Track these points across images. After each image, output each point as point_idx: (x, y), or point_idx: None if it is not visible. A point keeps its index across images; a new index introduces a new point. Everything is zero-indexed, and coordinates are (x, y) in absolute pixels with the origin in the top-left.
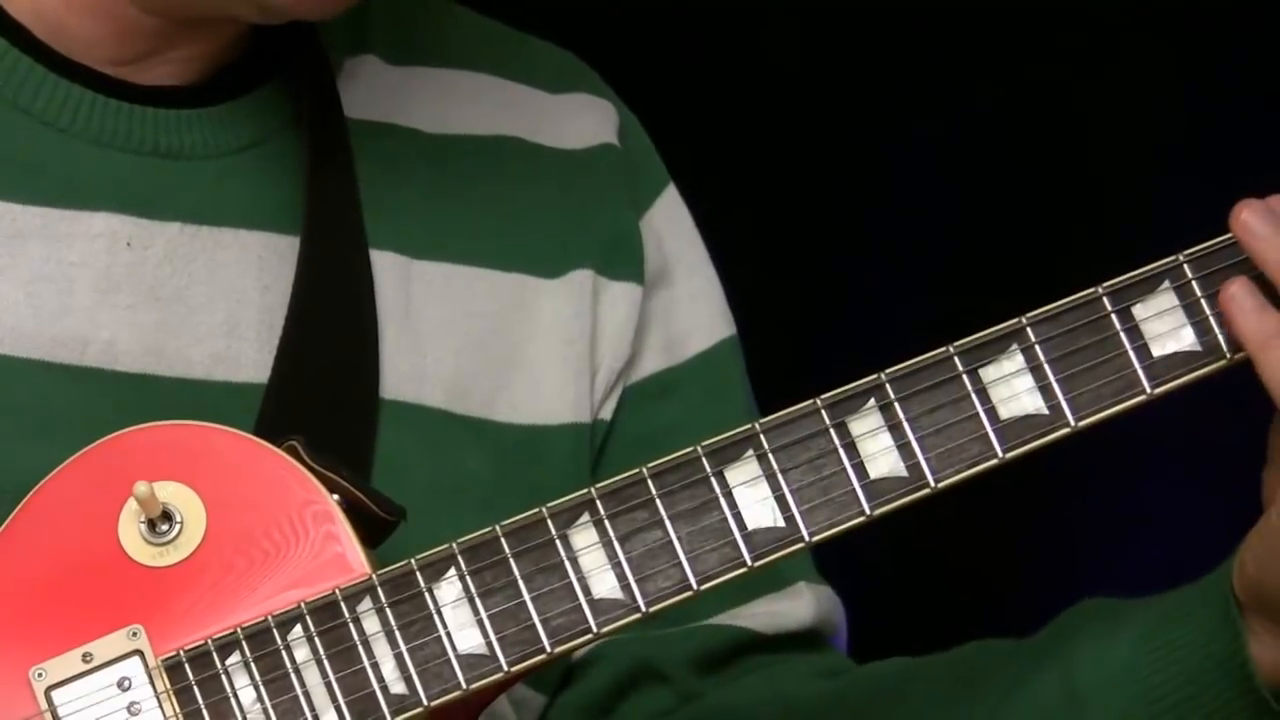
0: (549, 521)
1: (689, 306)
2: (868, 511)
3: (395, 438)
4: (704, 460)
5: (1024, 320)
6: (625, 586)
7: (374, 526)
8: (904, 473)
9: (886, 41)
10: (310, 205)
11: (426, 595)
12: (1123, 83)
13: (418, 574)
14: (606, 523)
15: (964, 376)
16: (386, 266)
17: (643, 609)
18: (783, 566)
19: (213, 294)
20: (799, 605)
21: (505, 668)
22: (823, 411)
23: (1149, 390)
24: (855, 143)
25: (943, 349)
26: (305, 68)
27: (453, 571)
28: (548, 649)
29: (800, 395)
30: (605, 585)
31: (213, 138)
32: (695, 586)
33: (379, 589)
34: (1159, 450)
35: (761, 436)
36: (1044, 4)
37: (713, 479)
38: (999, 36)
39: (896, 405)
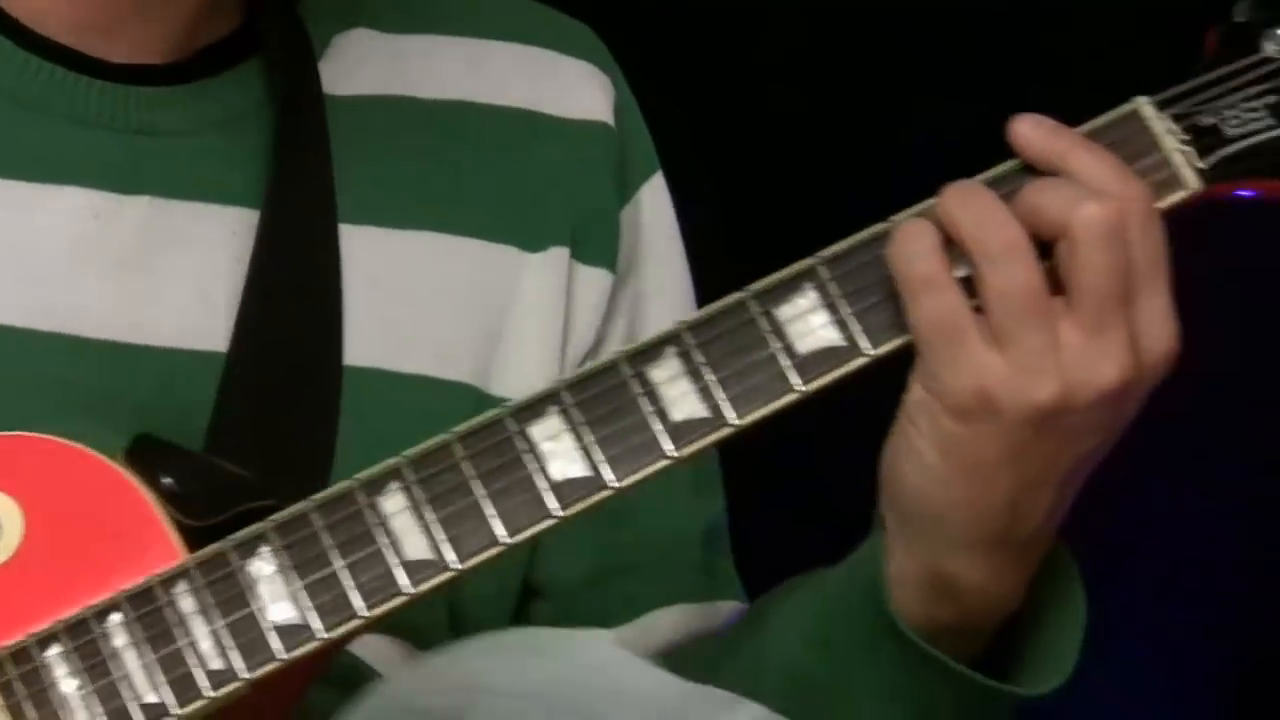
0: (358, 491)
1: (654, 300)
2: (672, 452)
3: (376, 404)
4: (507, 420)
5: (814, 259)
6: (434, 547)
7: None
8: (706, 413)
9: (886, 41)
10: (274, 180)
11: (239, 572)
12: (1122, 83)
13: (231, 553)
14: (414, 487)
15: (759, 318)
16: (363, 239)
17: (453, 567)
18: (712, 581)
19: (184, 265)
20: (714, 623)
21: (324, 633)
22: (622, 363)
23: None
24: (854, 144)
25: (738, 293)
26: (283, 46)
27: (265, 547)
28: (362, 613)
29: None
30: (416, 547)
31: (188, 115)
32: (506, 540)
33: (193, 570)
34: (1159, 450)
35: (564, 393)
36: (1044, 4)
37: (516, 437)
38: (999, 36)
39: (694, 351)
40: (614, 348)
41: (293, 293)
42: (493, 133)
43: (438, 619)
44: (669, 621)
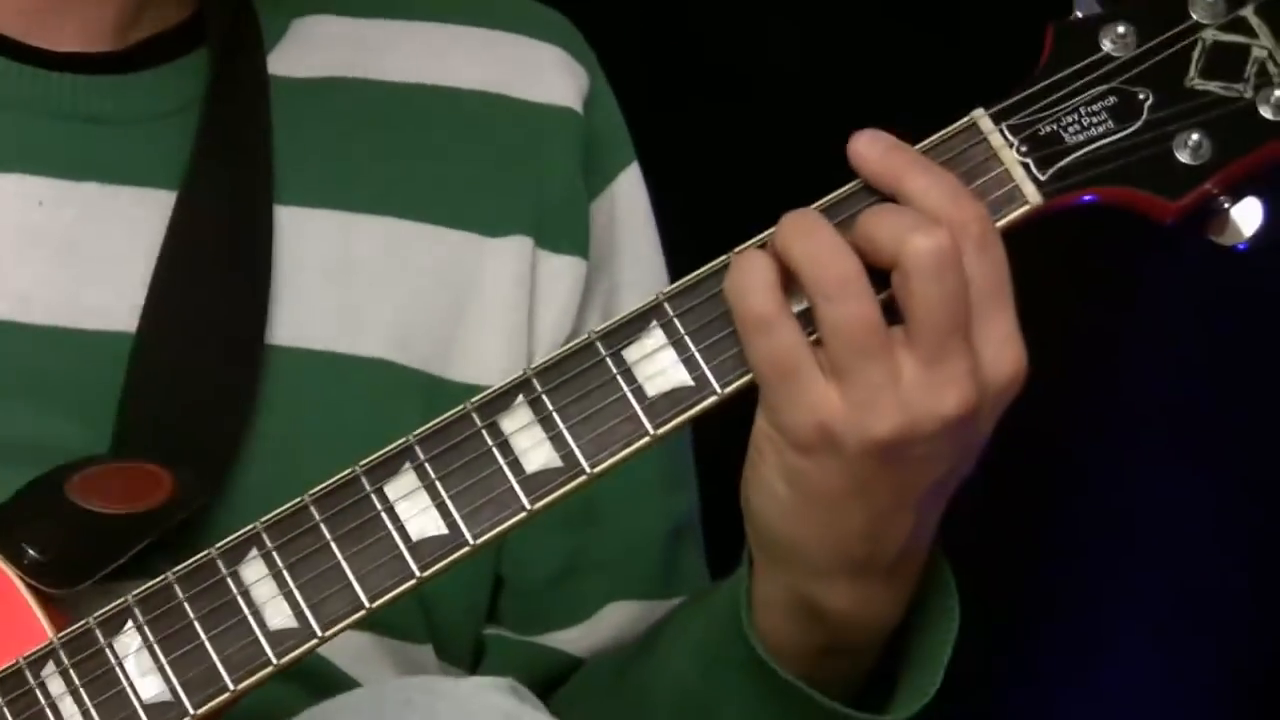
0: (218, 560)
1: (629, 293)
2: (528, 507)
3: (324, 386)
4: (363, 479)
5: (660, 295)
6: (299, 614)
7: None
8: (559, 463)
9: (887, 42)
10: (194, 163)
11: (107, 650)
12: None
13: (96, 630)
14: (274, 553)
15: (608, 359)
16: (318, 222)
17: (318, 634)
18: (672, 576)
19: (131, 250)
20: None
21: (191, 710)
22: (473, 414)
23: None
24: (836, 132)
25: (584, 336)
26: (222, 36)
27: (130, 623)
28: (230, 686)
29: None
30: (280, 616)
31: (131, 103)
32: (368, 605)
33: (59, 651)
34: (1158, 448)
35: (416, 447)
36: (1044, 4)
37: (373, 495)
38: (999, 36)
39: (544, 398)
40: None
41: (209, 273)
42: (454, 116)
43: (410, 610)
44: (618, 618)
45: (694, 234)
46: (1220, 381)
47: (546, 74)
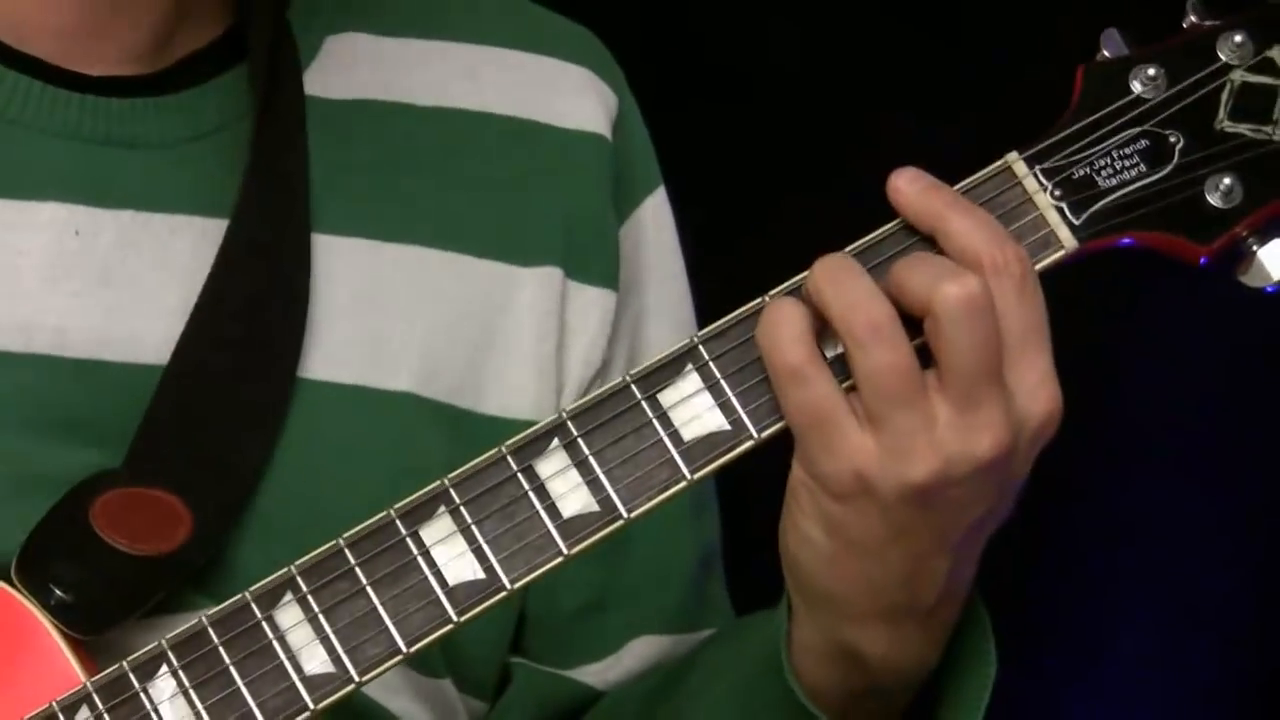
0: (253, 605)
1: (654, 319)
2: (565, 551)
3: (352, 419)
4: (398, 523)
5: (695, 339)
6: (336, 660)
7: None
8: (596, 508)
9: (887, 41)
10: (244, 191)
11: (142, 695)
12: None
13: (130, 675)
14: (310, 598)
15: (643, 403)
16: (348, 251)
17: (356, 679)
18: (700, 609)
19: (165, 279)
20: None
21: None
22: (509, 458)
23: None
24: (855, 146)
25: (619, 379)
26: (265, 54)
27: (164, 669)
28: None
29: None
30: (316, 661)
31: (167, 126)
32: (405, 650)
33: (94, 695)
34: (1158, 450)
35: (451, 491)
36: (1044, 4)
37: (409, 540)
38: (999, 36)
39: (580, 441)
40: (618, 370)
41: (250, 306)
42: (483, 142)
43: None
44: (643, 651)
45: (692, 231)
46: (1220, 388)
47: (575, 98)
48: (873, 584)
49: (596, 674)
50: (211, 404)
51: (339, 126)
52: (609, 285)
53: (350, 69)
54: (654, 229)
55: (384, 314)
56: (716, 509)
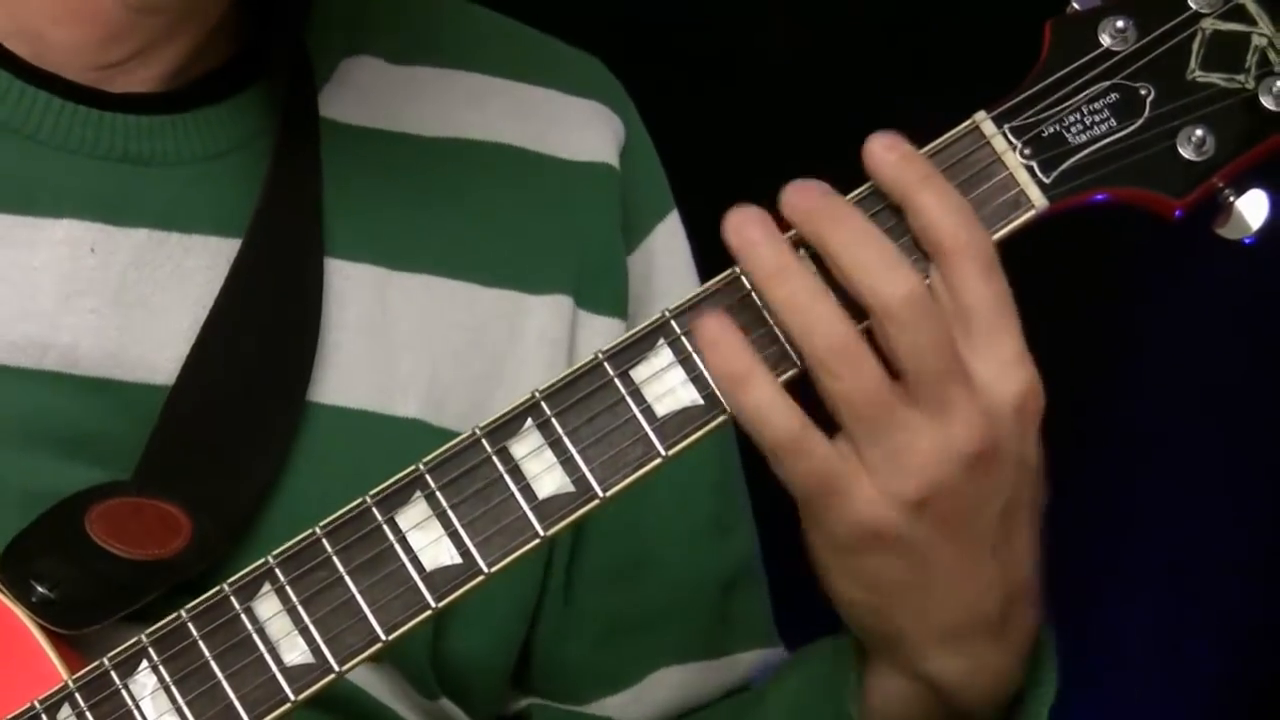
0: (231, 597)
1: None
2: (541, 533)
3: (360, 446)
4: (374, 509)
5: (667, 313)
6: (315, 650)
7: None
8: (571, 488)
9: (887, 42)
10: (258, 213)
11: (124, 691)
12: None
13: (111, 672)
14: (287, 588)
15: (615, 380)
16: (358, 276)
17: (335, 669)
18: (726, 632)
19: (179, 299)
20: (730, 676)
21: None
22: (483, 440)
23: (798, 363)
24: (855, 147)
25: (592, 356)
26: (285, 73)
27: (145, 664)
28: None
29: (805, 405)
30: (296, 652)
31: (184, 144)
32: (384, 638)
33: (76, 694)
34: (1159, 450)
35: (427, 476)
36: (1044, 3)
37: (385, 526)
38: (999, 36)
39: (554, 421)
40: None
41: (261, 327)
42: (494, 173)
43: (422, 664)
44: (670, 681)
45: (691, 230)
46: (1221, 388)
47: (582, 131)
48: (927, 615)
49: (618, 708)
50: (220, 423)
51: (352, 151)
52: (618, 314)
53: (361, 95)
54: (665, 254)
55: (394, 340)
56: (749, 525)
